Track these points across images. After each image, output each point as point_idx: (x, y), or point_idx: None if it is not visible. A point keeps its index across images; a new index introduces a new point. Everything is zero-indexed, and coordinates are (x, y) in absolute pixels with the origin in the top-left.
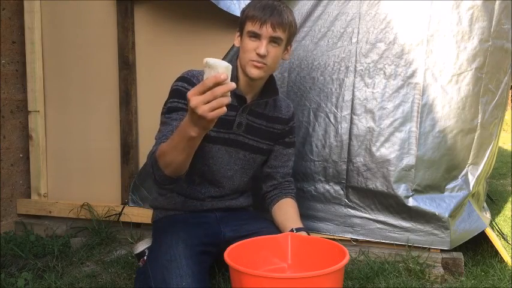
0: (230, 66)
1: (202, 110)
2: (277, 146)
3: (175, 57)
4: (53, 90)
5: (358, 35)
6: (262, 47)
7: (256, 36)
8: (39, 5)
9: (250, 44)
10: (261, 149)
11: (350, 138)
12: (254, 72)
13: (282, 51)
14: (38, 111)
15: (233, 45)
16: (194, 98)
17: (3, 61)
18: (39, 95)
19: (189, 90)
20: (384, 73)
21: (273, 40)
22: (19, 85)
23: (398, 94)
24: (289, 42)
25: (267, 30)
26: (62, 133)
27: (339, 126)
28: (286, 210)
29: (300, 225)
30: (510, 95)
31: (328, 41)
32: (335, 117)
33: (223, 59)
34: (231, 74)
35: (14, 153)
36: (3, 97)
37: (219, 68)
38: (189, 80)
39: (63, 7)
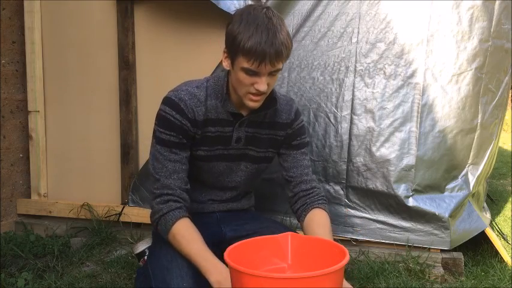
0: None
1: None
2: (284, 150)
3: (175, 57)
4: (53, 90)
5: (358, 35)
6: (262, 84)
7: (254, 73)
8: (39, 5)
9: (247, 79)
10: (264, 157)
11: (350, 138)
12: (254, 105)
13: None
14: (38, 111)
15: (221, 60)
16: None
17: (3, 61)
18: (39, 95)
19: (178, 119)
20: (384, 73)
21: (272, 73)
22: (19, 85)
23: (398, 94)
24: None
25: (265, 68)
26: (62, 133)
27: (339, 126)
28: (317, 233)
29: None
30: (510, 95)
31: (328, 41)
32: (335, 117)
33: (212, 74)
34: (222, 90)
35: (14, 153)
36: (3, 97)
37: None
38: (176, 105)
39: (63, 7)
